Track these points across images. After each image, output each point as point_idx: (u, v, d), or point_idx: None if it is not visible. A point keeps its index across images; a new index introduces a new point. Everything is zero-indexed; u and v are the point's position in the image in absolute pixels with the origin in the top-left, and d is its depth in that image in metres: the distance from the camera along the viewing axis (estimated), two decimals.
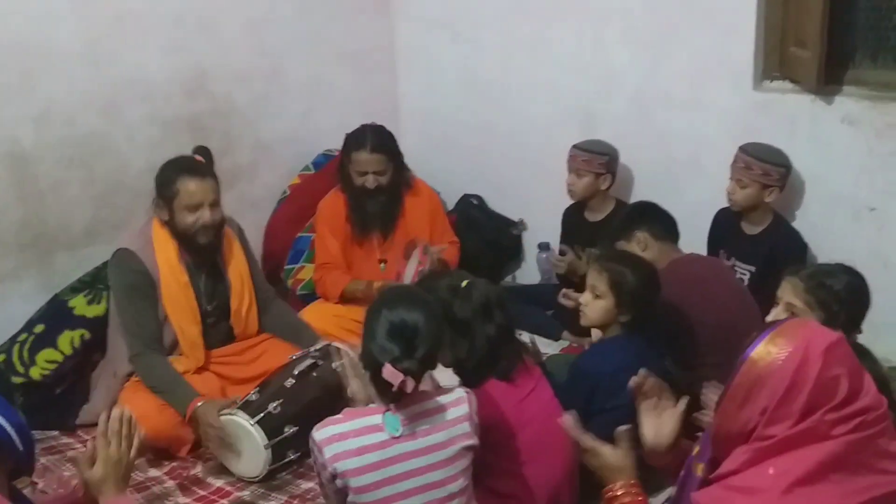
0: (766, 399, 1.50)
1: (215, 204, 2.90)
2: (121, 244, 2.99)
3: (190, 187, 2.85)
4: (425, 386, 2.05)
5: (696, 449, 1.81)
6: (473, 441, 2.01)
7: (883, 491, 1.48)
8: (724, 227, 3.24)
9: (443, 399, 2.01)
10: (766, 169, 3.02)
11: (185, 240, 2.91)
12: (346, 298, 3.45)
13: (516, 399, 2.31)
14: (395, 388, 1.88)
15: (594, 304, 2.58)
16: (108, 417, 1.88)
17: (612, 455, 1.86)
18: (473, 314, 2.28)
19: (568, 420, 1.95)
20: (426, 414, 1.98)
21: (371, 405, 2.02)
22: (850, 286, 2.29)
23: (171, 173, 2.89)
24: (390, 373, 1.87)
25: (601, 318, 2.59)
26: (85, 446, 2.90)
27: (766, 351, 1.51)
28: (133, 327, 2.90)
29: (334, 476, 1.92)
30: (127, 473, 1.87)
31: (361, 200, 3.47)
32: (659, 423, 1.91)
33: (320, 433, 1.94)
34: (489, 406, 2.22)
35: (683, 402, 1.93)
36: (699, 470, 1.73)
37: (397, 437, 1.93)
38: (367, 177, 3.41)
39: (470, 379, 2.27)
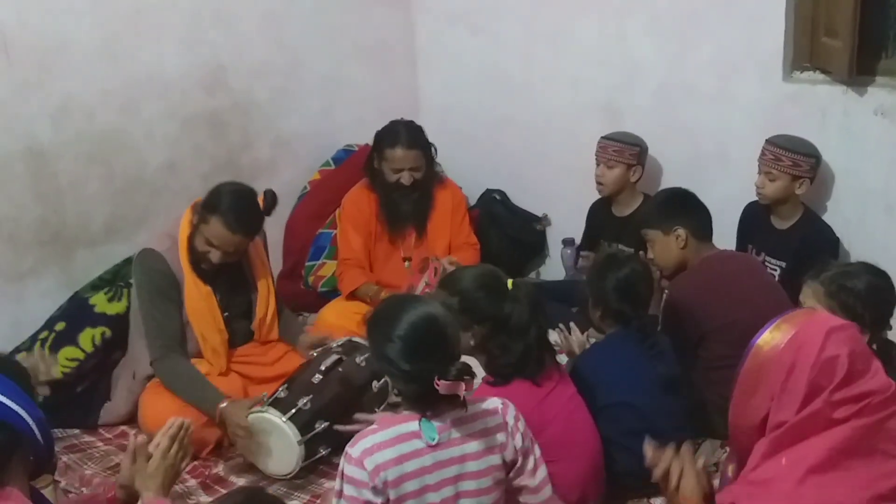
0: (772, 385, 1.53)
1: (231, 254, 2.87)
2: (146, 243, 2.99)
3: (218, 229, 2.81)
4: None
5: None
6: (507, 453, 1.95)
7: None
8: (753, 222, 3.19)
9: (479, 407, 1.96)
10: (796, 159, 2.97)
11: (194, 257, 2.90)
12: (356, 297, 3.44)
13: (538, 399, 2.29)
14: (462, 397, 1.83)
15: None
16: (178, 423, 1.94)
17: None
18: (529, 317, 2.25)
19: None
20: (462, 421, 1.91)
21: (404, 412, 1.94)
22: (871, 286, 2.23)
23: (217, 204, 2.82)
24: (447, 386, 1.81)
25: (592, 319, 2.67)
26: (107, 445, 2.92)
27: (771, 337, 1.56)
28: (153, 330, 2.89)
29: (376, 490, 1.84)
30: (174, 480, 1.93)
31: (394, 198, 3.44)
32: (685, 482, 1.87)
33: (357, 448, 1.86)
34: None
35: (685, 450, 1.89)
36: (731, 470, 1.74)
37: (434, 445, 1.87)
38: (402, 174, 3.39)
39: (501, 377, 2.26)
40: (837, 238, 3.02)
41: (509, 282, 2.30)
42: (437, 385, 1.80)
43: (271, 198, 2.95)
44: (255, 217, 2.91)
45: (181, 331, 2.92)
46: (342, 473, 1.88)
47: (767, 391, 1.53)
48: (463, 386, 1.82)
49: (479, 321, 2.27)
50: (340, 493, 1.89)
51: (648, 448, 1.97)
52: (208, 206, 2.83)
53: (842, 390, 1.49)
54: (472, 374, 1.88)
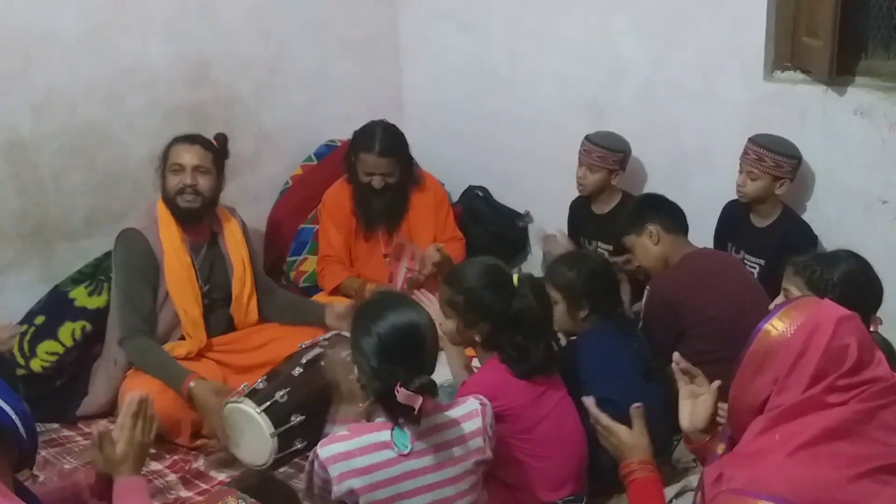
0: (777, 369, 1.54)
1: (200, 170, 2.98)
2: (127, 225, 3.04)
3: (177, 150, 2.99)
4: None
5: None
6: (486, 456, 1.95)
7: (889, 461, 1.48)
8: (733, 221, 3.21)
9: (456, 412, 1.94)
10: (779, 160, 2.99)
11: (169, 205, 2.99)
12: (340, 293, 3.45)
13: (535, 395, 2.31)
14: (416, 411, 1.81)
15: (556, 310, 2.59)
16: (137, 399, 1.93)
17: (626, 434, 1.95)
18: (541, 311, 2.25)
19: (589, 401, 2.03)
20: (438, 428, 1.90)
21: (379, 419, 1.93)
22: (847, 274, 2.20)
23: (169, 143, 3.04)
24: (406, 396, 1.80)
25: (564, 323, 2.64)
26: (86, 439, 2.90)
27: (779, 323, 1.56)
28: (126, 308, 2.92)
29: (340, 498, 1.85)
30: (145, 455, 1.93)
31: (368, 197, 3.46)
32: (693, 407, 1.96)
33: (325, 451, 1.87)
34: (510, 397, 2.22)
35: (716, 385, 1.97)
36: (720, 449, 1.77)
37: (406, 454, 1.86)
38: (374, 177, 3.42)
39: (521, 374, 2.27)
40: (816, 236, 3.05)
41: (515, 277, 2.28)
42: (397, 391, 1.80)
43: (223, 138, 3.12)
44: (206, 140, 3.06)
45: (152, 313, 2.95)
46: (309, 471, 1.90)
47: (772, 374, 1.54)
48: (420, 400, 1.80)
49: (484, 318, 2.26)
50: (310, 487, 1.91)
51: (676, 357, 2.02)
52: (164, 153, 3.03)
53: (847, 378, 1.50)
54: (434, 393, 1.86)
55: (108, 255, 3.22)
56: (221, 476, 2.76)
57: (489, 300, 2.25)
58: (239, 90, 3.70)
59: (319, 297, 3.49)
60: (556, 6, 3.66)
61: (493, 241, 3.87)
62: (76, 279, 3.19)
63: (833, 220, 3.08)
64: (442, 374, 2.38)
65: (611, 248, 3.36)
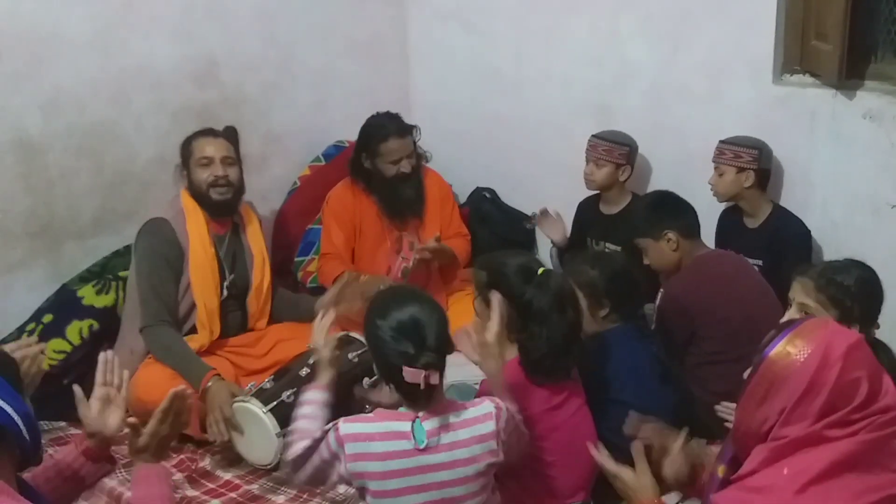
0: (784, 399, 1.51)
1: (228, 161, 3.04)
2: (134, 238, 3.05)
3: (202, 144, 3.04)
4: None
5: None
6: (498, 458, 1.97)
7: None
8: (728, 226, 3.25)
9: (471, 413, 1.97)
10: (737, 151, 3.06)
11: (201, 199, 3.02)
12: None
13: (551, 404, 2.30)
14: (422, 387, 1.85)
15: None
16: (172, 395, 1.96)
17: (630, 476, 1.95)
18: (550, 306, 2.24)
19: (595, 451, 2.05)
20: (452, 427, 1.93)
21: (402, 409, 1.97)
22: (860, 280, 2.25)
23: (189, 138, 3.09)
24: (411, 374, 1.84)
25: (585, 322, 2.60)
26: None
27: (785, 351, 1.52)
28: (150, 296, 2.94)
29: (348, 478, 1.88)
30: (165, 448, 1.98)
31: (396, 189, 3.43)
32: (671, 461, 1.97)
33: (346, 426, 1.90)
34: (526, 402, 2.21)
35: (683, 434, 1.99)
36: (720, 471, 1.75)
37: (421, 449, 1.89)
38: (402, 162, 3.40)
39: (534, 372, 2.27)
40: (808, 230, 3.06)
41: (541, 269, 2.30)
42: (404, 371, 1.84)
43: (234, 130, 3.17)
44: (225, 132, 3.13)
45: (175, 303, 2.98)
46: (318, 439, 1.92)
47: (778, 404, 1.52)
48: (422, 374, 1.83)
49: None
50: (316, 444, 1.93)
51: (632, 419, 2.04)
52: (184, 149, 3.07)
53: (857, 412, 1.49)
54: (439, 368, 1.88)
55: (116, 253, 3.25)
56: (227, 475, 2.77)
57: (510, 279, 2.27)
58: (246, 91, 3.70)
59: None
60: (564, 8, 3.67)
61: (501, 243, 3.85)
62: (84, 278, 3.21)
63: (841, 224, 3.07)
64: (453, 373, 2.40)
65: (619, 249, 3.35)
